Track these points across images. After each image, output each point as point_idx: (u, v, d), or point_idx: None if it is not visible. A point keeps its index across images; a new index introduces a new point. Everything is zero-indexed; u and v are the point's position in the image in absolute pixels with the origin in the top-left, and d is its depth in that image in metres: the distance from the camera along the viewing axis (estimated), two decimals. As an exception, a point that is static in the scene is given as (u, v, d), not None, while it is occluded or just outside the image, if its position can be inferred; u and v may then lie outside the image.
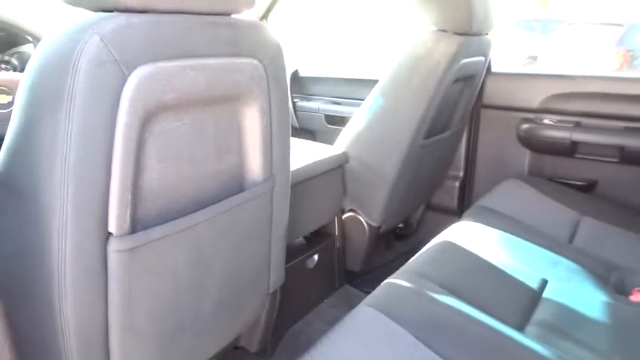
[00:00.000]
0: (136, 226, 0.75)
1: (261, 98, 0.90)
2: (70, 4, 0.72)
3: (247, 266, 0.99)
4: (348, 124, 1.58)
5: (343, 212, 1.58)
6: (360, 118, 1.54)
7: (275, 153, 0.98)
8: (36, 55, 0.67)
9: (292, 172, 1.11)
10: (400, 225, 1.93)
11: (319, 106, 2.22)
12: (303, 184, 1.32)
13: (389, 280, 1.02)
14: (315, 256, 1.48)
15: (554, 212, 1.50)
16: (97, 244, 0.70)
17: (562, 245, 1.32)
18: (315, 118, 2.25)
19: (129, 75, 0.67)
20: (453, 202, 1.92)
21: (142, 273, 0.76)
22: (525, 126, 1.78)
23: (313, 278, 1.50)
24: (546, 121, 1.76)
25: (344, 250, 1.61)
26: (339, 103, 2.18)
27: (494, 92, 1.85)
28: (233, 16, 0.84)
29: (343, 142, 1.56)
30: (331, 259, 1.57)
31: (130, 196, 0.71)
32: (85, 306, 0.72)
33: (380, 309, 0.90)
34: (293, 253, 1.39)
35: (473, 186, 1.95)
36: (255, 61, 0.87)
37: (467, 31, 1.44)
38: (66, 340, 0.72)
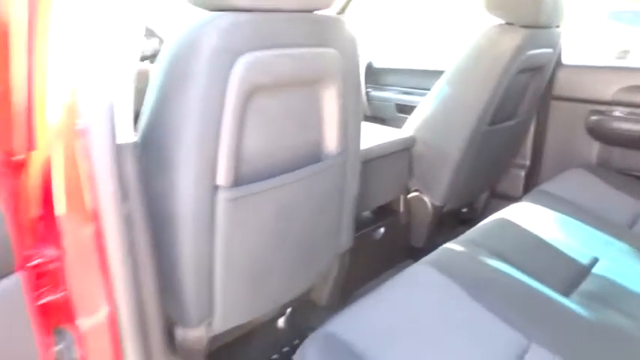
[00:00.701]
0: (237, 182, 0.94)
1: (338, 83, 1.06)
2: (192, 3, 0.92)
3: (322, 226, 1.16)
4: (416, 110, 1.70)
5: (409, 192, 1.71)
6: (427, 104, 1.66)
7: (348, 131, 1.13)
8: (168, 45, 0.88)
9: (364, 150, 1.27)
10: (464, 209, 2.02)
11: (391, 95, 2.35)
12: (373, 162, 1.46)
13: (445, 245, 1.15)
14: (382, 229, 1.63)
15: (618, 200, 1.54)
16: (208, 195, 0.90)
17: (620, 230, 1.37)
18: (386, 107, 2.39)
19: (236, 61, 0.85)
20: (518, 190, 1.98)
21: (241, 220, 0.96)
22: (595, 117, 1.81)
23: (379, 249, 1.65)
24: (617, 114, 1.77)
25: (408, 226, 1.74)
26: (410, 93, 2.30)
27: (565, 84, 1.88)
28: (315, 12, 1.01)
29: (411, 126, 1.69)
30: (396, 234, 1.70)
31: (233, 157, 0.91)
32: (198, 244, 0.92)
33: (434, 266, 1.04)
34: (361, 223, 1.55)
35: (539, 175, 2.00)
36: (333, 51, 1.03)
37: (534, 23, 1.51)
38: (182, 271, 0.92)
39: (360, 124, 1.18)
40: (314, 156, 1.10)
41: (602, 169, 1.79)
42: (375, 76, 2.46)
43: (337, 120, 1.09)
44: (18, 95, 0.62)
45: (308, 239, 1.14)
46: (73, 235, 0.72)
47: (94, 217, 0.72)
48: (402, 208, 1.70)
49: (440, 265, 1.05)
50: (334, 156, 1.12)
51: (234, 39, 0.85)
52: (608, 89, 1.79)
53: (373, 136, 1.54)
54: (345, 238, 1.27)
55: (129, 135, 0.73)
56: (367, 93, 2.44)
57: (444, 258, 1.09)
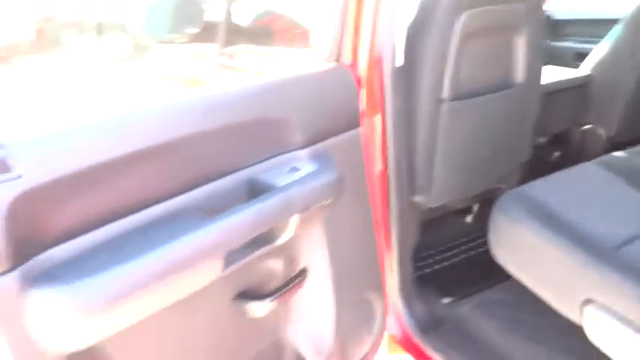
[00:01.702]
0: (454, 98, 1.41)
1: (526, 29, 1.45)
2: None
3: (507, 137, 1.59)
4: (593, 52, 1.97)
5: (583, 125, 2.01)
6: (603, 46, 1.92)
7: (532, 67, 1.52)
8: (414, 6, 1.37)
9: (546, 84, 1.63)
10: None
11: (570, 44, 2.57)
12: (553, 94, 1.81)
13: (611, 153, 1.49)
14: (556, 153, 1.97)
15: None
16: (435, 104, 1.39)
17: None
18: (564, 56, 2.61)
19: (460, 15, 1.31)
20: None
21: (454, 124, 1.43)
22: None
23: (552, 169, 1.99)
24: None
25: (581, 154, 2.04)
26: (587, 42, 2.50)
27: None
28: None
29: (588, 65, 1.97)
30: (569, 159, 2.02)
31: (453, 79, 1.38)
32: (426, 137, 1.42)
33: (599, 164, 1.39)
34: (538, 146, 1.91)
35: None
36: (524, 5, 1.42)
37: None
38: (415, 154, 1.43)
39: (540, 62, 1.56)
40: (506, 84, 1.52)
41: None
42: (554, 27, 2.68)
43: (524, 57, 1.49)
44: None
45: (498, 146, 1.57)
46: (369, 118, 1.27)
47: (380, 110, 1.26)
48: (576, 138, 2.00)
49: (604, 164, 1.40)
50: (520, 85, 1.52)
51: (459, 1, 1.31)
52: None
53: (554, 74, 1.87)
54: (524, 152, 1.67)
55: (400, 61, 1.25)
56: (547, 43, 2.68)
57: (607, 160, 1.44)
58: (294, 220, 0.91)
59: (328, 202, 0.99)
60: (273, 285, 1.01)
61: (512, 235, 1.25)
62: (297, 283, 1.01)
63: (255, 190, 0.91)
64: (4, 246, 0.59)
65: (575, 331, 1.12)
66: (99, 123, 0.72)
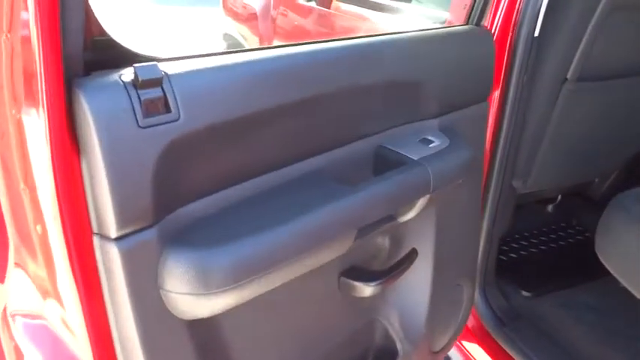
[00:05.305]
0: (581, 79, 1.25)
1: None
2: None
3: (627, 128, 1.44)
4: None
5: None
6: None
7: None
8: None
9: None
10: None
11: None
12: None
13: None
14: None
15: None
16: (557, 86, 1.24)
17: None
18: None
19: None
20: None
21: (574, 108, 1.28)
22: None
23: None
24: None
25: None
26: None
27: None
28: None
29: None
30: None
31: (584, 57, 1.21)
32: (539, 119, 1.28)
33: None
34: None
35: None
36: None
37: None
38: (524, 137, 1.30)
39: None
40: None
41: None
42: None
43: None
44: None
45: (613, 137, 1.43)
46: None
47: (502, 84, 1.13)
48: None
49: None
50: None
51: None
52: None
53: None
54: (633, 145, 1.52)
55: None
56: None
57: None
58: (424, 199, 0.81)
59: (460, 182, 0.89)
60: (377, 263, 0.93)
61: (624, 233, 1.14)
62: (406, 265, 0.92)
63: (384, 159, 0.81)
64: (149, 200, 0.51)
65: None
66: (245, 76, 0.61)
